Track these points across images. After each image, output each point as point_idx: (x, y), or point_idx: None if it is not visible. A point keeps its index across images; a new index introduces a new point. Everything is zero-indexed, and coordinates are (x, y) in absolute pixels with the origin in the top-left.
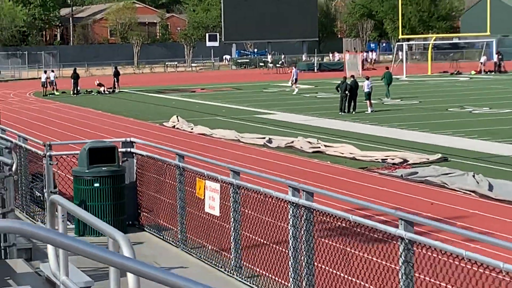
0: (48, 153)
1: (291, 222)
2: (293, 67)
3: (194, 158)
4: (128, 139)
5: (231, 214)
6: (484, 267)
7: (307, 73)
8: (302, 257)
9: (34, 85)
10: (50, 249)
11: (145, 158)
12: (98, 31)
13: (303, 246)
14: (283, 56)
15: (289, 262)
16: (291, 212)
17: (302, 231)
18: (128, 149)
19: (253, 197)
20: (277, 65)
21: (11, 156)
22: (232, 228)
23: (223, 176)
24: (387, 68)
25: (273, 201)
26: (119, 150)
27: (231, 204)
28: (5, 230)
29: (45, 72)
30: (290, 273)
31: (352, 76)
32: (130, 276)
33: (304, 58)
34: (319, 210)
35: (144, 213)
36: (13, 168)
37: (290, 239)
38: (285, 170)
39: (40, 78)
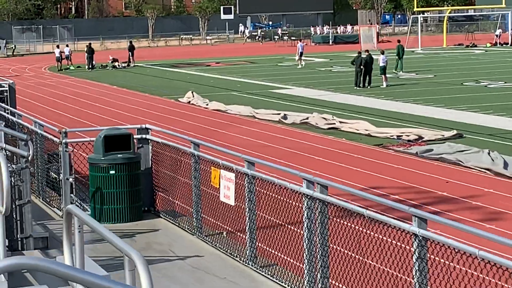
0: (64, 141)
1: (305, 215)
2: (298, 41)
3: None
4: (144, 126)
5: (246, 204)
6: (497, 266)
7: (322, 45)
8: (317, 249)
9: (49, 59)
10: (65, 246)
11: (161, 145)
12: (113, 4)
13: (317, 238)
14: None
15: (304, 254)
16: (305, 204)
17: (317, 224)
18: (144, 136)
19: (268, 187)
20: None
21: (27, 148)
22: (247, 218)
23: (238, 166)
24: (399, 41)
25: (288, 193)
26: (135, 136)
27: (246, 194)
28: (21, 267)
29: (58, 46)
30: (304, 265)
31: (367, 51)
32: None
33: (317, 32)
34: (333, 203)
35: (159, 199)
36: (29, 159)
37: (305, 231)
38: (300, 148)
39: (53, 52)
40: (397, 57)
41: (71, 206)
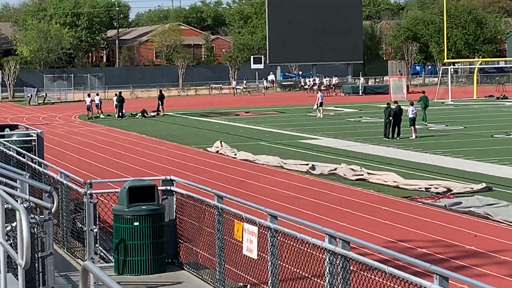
0: (88, 191)
1: (327, 270)
2: (318, 91)
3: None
4: (168, 177)
5: (268, 258)
6: None
7: (351, 96)
8: None
9: (79, 107)
10: None
11: (185, 196)
12: (144, 53)
13: None
14: (316, 77)
15: None
16: (327, 259)
17: (338, 279)
18: (168, 187)
19: (291, 240)
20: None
21: (50, 199)
22: (269, 272)
23: (260, 220)
24: (423, 92)
25: (310, 246)
26: (159, 188)
27: (269, 248)
28: None
29: (89, 95)
30: None
31: (396, 102)
32: None
33: (349, 81)
34: (355, 259)
35: (183, 251)
36: (53, 211)
37: (327, 286)
38: (327, 199)
39: (84, 101)
40: (423, 109)
41: (87, 263)
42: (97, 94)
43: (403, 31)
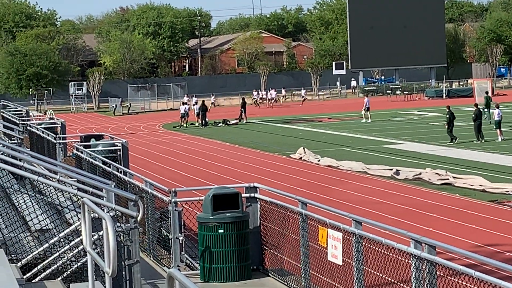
0: (173, 200)
1: (413, 275)
2: (365, 96)
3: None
4: (252, 184)
5: (353, 263)
6: None
7: (435, 99)
8: None
9: (163, 117)
10: None
11: (269, 203)
12: (226, 61)
13: None
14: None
15: None
16: (413, 265)
17: (425, 285)
18: (252, 194)
19: (376, 245)
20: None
21: (136, 208)
22: (355, 278)
23: (345, 225)
24: (487, 92)
25: (395, 253)
26: (243, 195)
27: (354, 254)
28: None
29: (183, 103)
30: None
31: (476, 105)
32: None
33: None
34: (441, 264)
35: (268, 258)
36: (139, 219)
37: None
38: (412, 204)
39: (170, 109)
40: (486, 108)
41: (172, 270)
42: (185, 103)
43: (487, 33)
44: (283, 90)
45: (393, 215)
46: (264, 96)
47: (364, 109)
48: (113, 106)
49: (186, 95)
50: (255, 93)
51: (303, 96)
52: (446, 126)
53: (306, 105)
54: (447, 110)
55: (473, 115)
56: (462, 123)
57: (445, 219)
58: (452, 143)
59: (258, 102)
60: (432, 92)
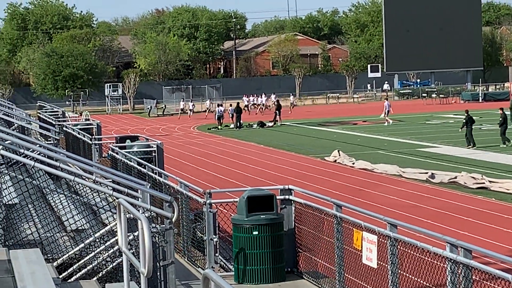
0: (208, 201)
1: (449, 279)
2: (385, 100)
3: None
4: (287, 187)
5: (388, 267)
6: None
7: (471, 103)
8: None
9: (198, 118)
10: None
11: (303, 206)
12: (261, 64)
13: None
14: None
15: None
16: (449, 268)
17: None
18: (286, 197)
19: (411, 249)
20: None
21: (171, 209)
22: (389, 281)
23: (380, 228)
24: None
25: (431, 255)
26: (278, 197)
27: (388, 257)
28: None
29: (219, 105)
30: None
31: (501, 109)
32: None
33: (469, 87)
34: (477, 268)
35: (302, 260)
36: (173, 220)
37: None
38: (447, 208)
39: (205, 111)
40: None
41: (208, 271)
42: (219, 105)
43: None
44: (272, 96)
45: (428, 219)
46: (256, 102)
47: (385, 113)
48: (148, 108)
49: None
50: (245, 98)
51: (291, 102)
52: (462, 129)
53: (340, 108)
54: (466, 114)
55: (500, 119)
56: (494, 127)
57: (481, 223)
58: (470, 147)
59: (249, 108)
60: (468, 96)
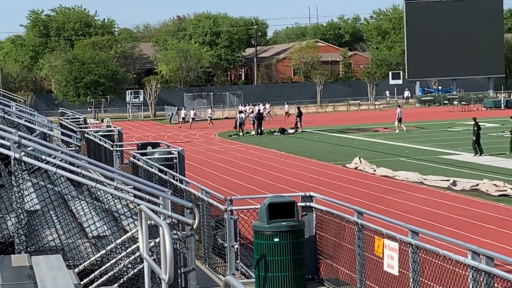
0: (229, 208)
1: (470, 287)
2: (398, 107)
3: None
4: (308, 193)
5: (410, 274)
6: None
7: (493, 110)
8: None
9: (219, 125)
10: None
11: (324, 212)
12: (282, 70)
13: None
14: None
15: None
16: (470, 276)
17: None
18: (308, 204)
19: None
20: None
21: (192, 216)
22: None
23: (401, 236)
24: None
25: (453, 262)
26: (299, 204)
27: (410, 265)
28: None
29: (240, 112)
30: None
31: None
32: None
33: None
34: (499, 276)
35: (323, 267)
36: (195, 227)
37: None
38: (469, 215)
39: (226, 118)
40: None
41: (229, 278)
42: (241, 112)
43: None
44: (267, 105)
45: (449, 226)
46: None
47: (397, 120)
48: (169, 114)
49: (241, 104)
50: (241, 107)
51: (286, 111)
52: (474, 139)
53: (361, 114)
54: (474, 122)
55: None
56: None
57: (503, 231)
58: (476, 155)
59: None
60: (490, 103)
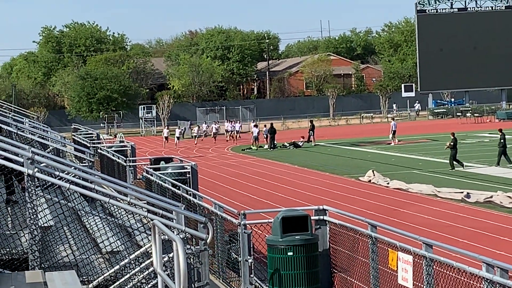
0: (242, 222)
1: None
2: (392, 120)
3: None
4: (321, 207)
5: (424, 287)
6: None
7: (506, 122)
8: None
9: (231, 140)
10: None
11: (338, 226)
12: (294, 84)
13: None
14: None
15: None
16: None
17: None
18: (321, 217)
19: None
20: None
21: (205, 230)
22: None
23: (415, 248)
24: None
25: (467, 275)
26: (312, 218)
27: (424, 277)
28: None
29: (256, 126)
30: None
31: None
32: None
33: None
34: None
35: (338, 281)
36: (208, 241)
37: None
38: (484, 227)
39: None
40: None
41: None
42: (256, 126)
43: None
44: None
45: (464, 239)
46: (229, 128)
47: (391, 132)
48: (182, 129)
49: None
50: (227, 124)
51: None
52: (448, 148)
53: (374, 127)
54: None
55: None
56: None
57: None
58: (452, 170)
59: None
60: (503, 114)
